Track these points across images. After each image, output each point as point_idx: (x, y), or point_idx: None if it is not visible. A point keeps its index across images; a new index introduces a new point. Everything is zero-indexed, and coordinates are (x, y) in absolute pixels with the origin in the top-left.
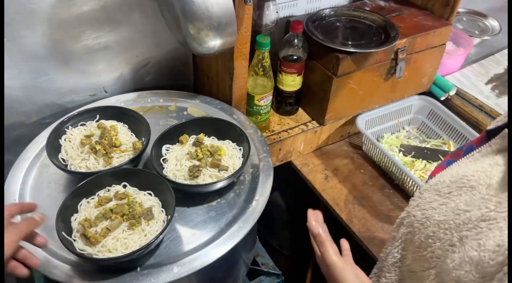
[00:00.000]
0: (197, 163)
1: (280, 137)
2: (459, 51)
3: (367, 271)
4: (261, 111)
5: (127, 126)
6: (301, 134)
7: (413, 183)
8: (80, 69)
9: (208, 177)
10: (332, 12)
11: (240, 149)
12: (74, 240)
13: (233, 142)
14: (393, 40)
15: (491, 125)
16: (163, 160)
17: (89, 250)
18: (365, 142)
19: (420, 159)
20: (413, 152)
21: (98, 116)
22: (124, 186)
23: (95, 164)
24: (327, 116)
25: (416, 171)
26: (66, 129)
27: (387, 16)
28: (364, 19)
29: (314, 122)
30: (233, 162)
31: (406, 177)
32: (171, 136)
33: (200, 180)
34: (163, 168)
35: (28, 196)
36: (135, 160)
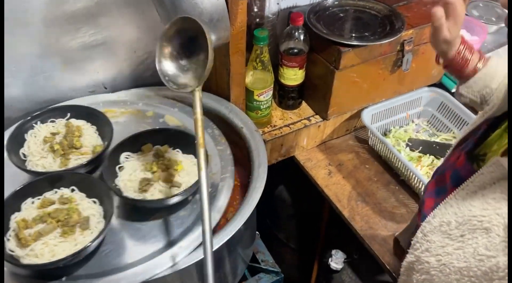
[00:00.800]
0: (150, 176)
1: (281, 133)
2: (473, 40)
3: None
4: (261, 106)
5: (95, 127)
6: (303, 129)
7: (419, 180)
8: (78, 66)
9: (157, 192)
10: (336, 2)
11: None
12: (8, 239)
13: (195, 157)
14: (397, 32)
15: (461, 142)
16: (120, 168)
17: (18, 252)
18: (371, 136)
19: (428, 154)
20: (420, 147)
21: (69, 114)
22: (73, 190)
23: (51, 164)
24: (330, 110)
25: (422, 167)
26: (34, 124)
27: (395, 5)
28: (369, 9)
29: (317, 116)
30: (188, 179)
31: (411, 174)
32: (134, 143)
33: (148, 195)
34: (117, 176)
35: None
36: (90, 164)
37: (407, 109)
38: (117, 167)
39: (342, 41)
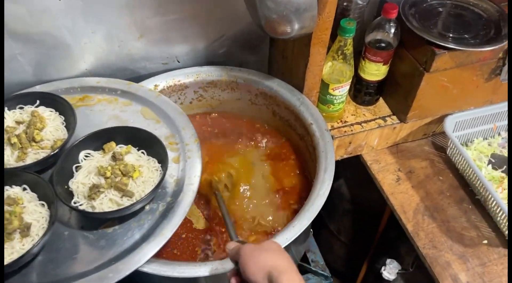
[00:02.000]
0: (102, 181)
1: (352, 131)
2: None
3: None
4: (335, 100)
5: (63, 117)
6: (376, 129)
7: (497, 204)
8: (154, 37)
9: (107, 201)
10: None
11: (161, 172)
12: None
13: (159, 162)
14: (503, 39)
15: None
16: (77, 167)
17: None
18: (450, 145)
19: None
20: (504, 166)
21: (38, 101)
22: (24, 189)
23: (8, 157)
24: (411, 113)
25: (503, 190)
26: None
27: (503, 4)
28: (473, 6)
29: (394, 117)
30: (143, 189)
31: (489, 196)
32: (97, 140)
33: (97, 203)
34: (73, 176)
35: None
36: (47, 161)
37: (495, 120)
38: (74, 166)
39: (437, 42)
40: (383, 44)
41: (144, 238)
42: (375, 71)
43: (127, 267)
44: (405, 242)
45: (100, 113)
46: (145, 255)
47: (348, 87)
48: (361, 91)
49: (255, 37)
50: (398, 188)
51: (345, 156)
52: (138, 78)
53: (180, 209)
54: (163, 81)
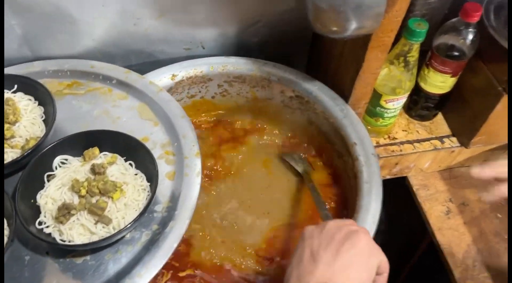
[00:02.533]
0: (76, 200)
1: (401, 150)
2: None
3: None
4: (386, 114)
5: (43, 109)
6: (431, 151)
7: None
8: (176, 17)
9: (78, 226)
10: None
11: (149, 194)
12: None
13: (148, 180)
14: None
15: None
16: (50, 176)
17: None
18: None
19: None
20: None
21: (16, 86)
22: None
23: None
24: (476, 138)
25: None
26: None
27: None
28: None
29: (453, 139)
30: (124, 215)
31: None
32: (78, 144)
33: (65, 228)
34: (44, 187)
35: None
36: (16, 163)
37: None
38: (45, 175)
39: None
40: (455, 53)
41: (119, 277)
42: (440, 83)
43: None
44: (444, 274)
45: (89, 106)
46: None
47: (404, 100)
48: (418, 103)
49: (296, 27)
50: (447, 223)
51: (388, 177)
52: (155, 62)
53: (166, 242)
54: (182, 71)
